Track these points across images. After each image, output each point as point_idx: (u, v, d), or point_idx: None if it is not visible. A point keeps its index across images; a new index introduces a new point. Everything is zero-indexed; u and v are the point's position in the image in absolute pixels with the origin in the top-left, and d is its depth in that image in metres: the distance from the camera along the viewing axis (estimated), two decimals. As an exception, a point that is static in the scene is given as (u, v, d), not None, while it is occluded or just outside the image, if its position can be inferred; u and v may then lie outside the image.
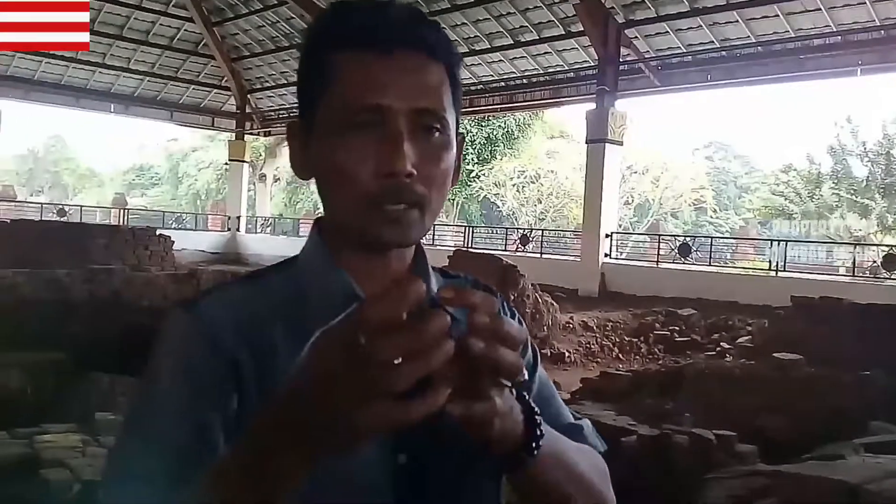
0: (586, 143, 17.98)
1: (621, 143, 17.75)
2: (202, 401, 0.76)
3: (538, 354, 0.95)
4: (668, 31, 16.69)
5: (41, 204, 31.31)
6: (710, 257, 18.75)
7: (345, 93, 0.79)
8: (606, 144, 17.08)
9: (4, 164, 46.89)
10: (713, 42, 16.31)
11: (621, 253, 20.52)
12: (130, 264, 14.53)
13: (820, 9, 14.52)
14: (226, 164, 31.87)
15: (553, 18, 18.18)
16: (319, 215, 0.91)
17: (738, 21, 15.61)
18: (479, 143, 31.69)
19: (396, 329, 0.55)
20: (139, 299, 10.01)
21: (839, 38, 14.75)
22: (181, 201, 43.89)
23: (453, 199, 31.55)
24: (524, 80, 20.36)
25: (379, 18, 0.80)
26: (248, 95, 27.37)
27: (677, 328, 13.00)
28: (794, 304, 9.65)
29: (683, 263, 17.81)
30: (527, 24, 18.73)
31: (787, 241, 18.20)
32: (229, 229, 28.95)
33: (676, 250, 18.62)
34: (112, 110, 26.43)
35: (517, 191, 31.71)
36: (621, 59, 17.22)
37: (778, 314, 10.33)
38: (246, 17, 24.17)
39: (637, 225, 32.02)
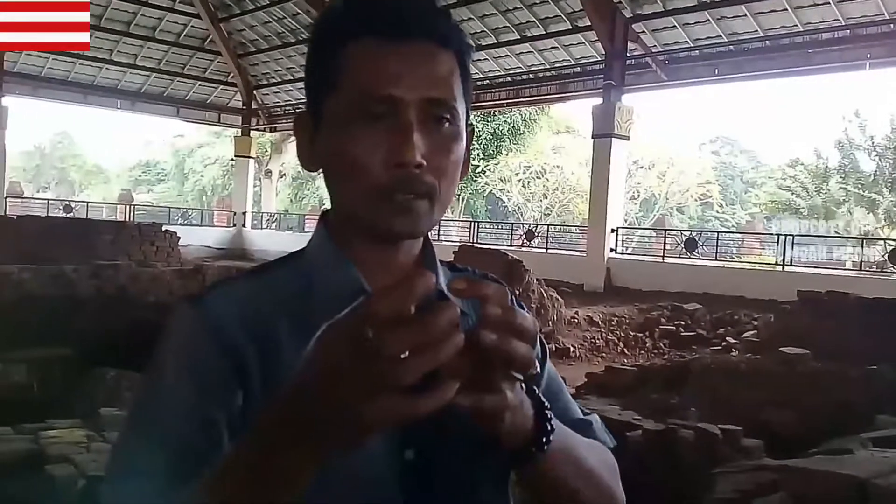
0: (592, 137, 18.03)
1: (628, 138, 17.73)
2: (207, 396, 0.75)
3: (546, 349, 0.93)
4: (675, 26, 16.63)
5: (48, 200, 31.40)
6: (716, 252, 18.66)
7: (356, 83, 0.78)
8: (613, 139, 17.06)
9: (11, 161, 46.85)
10: (721, 36, 16.24)
11: (627, 248, 20.51)
12: (136, 260, 14.54)
13: (828, 2, 14.45)
14: (232, 159, 31.98)
15: (560, 13, 18.14)
16: (326, 209, 0.90)
17: (745, 15, 15.55)
18: (485, 138, 31.65)
19: (404, 322, 0.55)
20: (145, 295, 10.02)
21: (847, 31, 14.67)
22: (187, 197, 44.03)
23: (459, 195, 31.52)
24: (531, 75, 20.32)
25: (390, 7, 0.79)
26: (255, 91, 27.39)
27: (683, 323, 12.96)
28: (801, 299, 9.60)
29: (689, 258, 17.77)
30: (533, 19, 18.70)
31: (793, 235, 18.10)
32: (235, 225, 28.97)
33: (682, 245, 18.60)
34: (119, 106, 26.50)
35: (523, 186, 31.70)
36: (628, 54, 17.19)
37: (784, 309, 10.28)
38: (252, 13, 24.19)
39: (643, 220, 31.98)
